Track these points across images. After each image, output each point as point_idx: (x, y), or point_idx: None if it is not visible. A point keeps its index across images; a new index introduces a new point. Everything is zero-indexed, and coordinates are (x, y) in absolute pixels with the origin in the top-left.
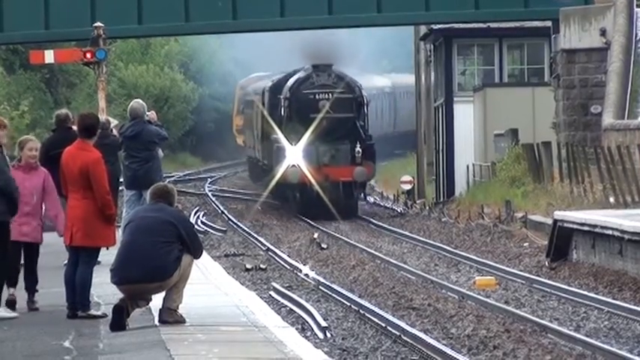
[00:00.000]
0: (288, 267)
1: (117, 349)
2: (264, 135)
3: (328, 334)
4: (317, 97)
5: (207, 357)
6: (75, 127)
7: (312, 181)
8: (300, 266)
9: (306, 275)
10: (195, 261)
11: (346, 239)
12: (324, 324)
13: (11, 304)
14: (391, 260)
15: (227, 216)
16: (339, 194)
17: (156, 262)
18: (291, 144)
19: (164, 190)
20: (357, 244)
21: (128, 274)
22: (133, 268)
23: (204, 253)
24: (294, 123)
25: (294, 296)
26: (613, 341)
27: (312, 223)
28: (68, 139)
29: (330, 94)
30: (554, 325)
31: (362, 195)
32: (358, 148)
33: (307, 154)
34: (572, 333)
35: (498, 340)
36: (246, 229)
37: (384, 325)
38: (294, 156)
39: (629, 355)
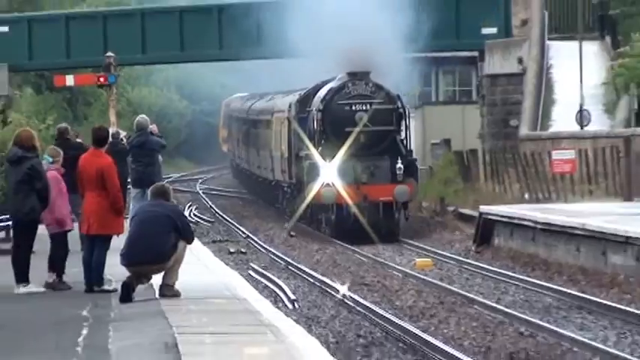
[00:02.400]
0: (264, 251)
1: (125, 317)
2: (291, 151)
3: (296, 305)
4: (353, 108)
5: (198, 324)
6: (70, 138)
7: (349, 201)
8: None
9: (344, 295)
10: (188, 246)
11: (310, 229)
12: (292, 297)
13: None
14: (347, 246)
15: (214, 209)
16: (379, 215)
17: (157, 249)
18: (325, 161)
19: (162, 190)
20: (319, 233)
21: (135, 257)
22: (139, 253)
23: (196, 240)
24: (328, 137)
25: (269, 274)
26: (527, 311)
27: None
28: (66, 147)
29: (369, 105)
30: (480, 298)
31: (404, 216)
32: (399, 165)
33: (343, 171)
34: (494, 304)
35: (434, 310)
36: (229, 220)
37: (341, 298)
38: (329, 174)
39: (540, 322)
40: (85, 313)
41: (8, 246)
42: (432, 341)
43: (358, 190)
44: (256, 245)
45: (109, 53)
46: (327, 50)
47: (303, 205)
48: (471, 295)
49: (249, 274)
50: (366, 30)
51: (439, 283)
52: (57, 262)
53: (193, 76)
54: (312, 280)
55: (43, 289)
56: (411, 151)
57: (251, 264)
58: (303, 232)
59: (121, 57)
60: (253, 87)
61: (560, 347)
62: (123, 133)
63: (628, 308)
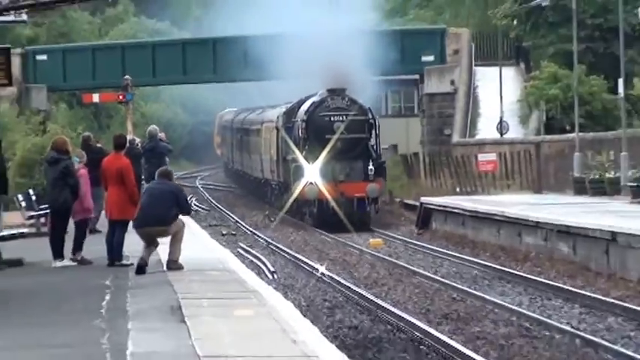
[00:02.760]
0: (250, 233)
1: (140, 286)
2: (280, 155)
3: (275, 276)
4: (332, 119)
5: (197, 291)
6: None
7: (329, 197)
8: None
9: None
10: (189, 227)
11: (287, 216)
12: (272, 269)
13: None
14: (315, 229)
15: (210, 200)
16: (353, 209)
17: (162, 215)
18: (309, 163)
19: (166, 172)
20: (294, 219)
21: (145, 221)
22: (148, 218)
23: (194, 223)
24: (311, 143)
25: (253, 252)
26: (458, 281)
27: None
28: (89, 151)
29: (345, 117)
30: (421, 270)
31: (375, 209)
32: (371, 166)
33: (323, 171)
34: (432, 275)
35: (385, 280)
36: (222, 209)
37: (310, 269)
38: (312, 174)
39: (468, 289)
40: (107, 282)
41: (46, 229)
42: (382, 304)
43: (336, 188)
44: (244, 229)
45: (127, 76)
46: (310, 71)
47: (290, 200)
48: (414, 268)
49: (238, 252)
50: (342, 56)
51: (388, 258)
52: (79, 242)
53: (193, 94)
54: (287, 257)
55: (74, 263)
56: (380, 154)
57: (239, 243)
58: (283, 219)
59: (135, 79)
60: (241, 103)
61: (485, 309)
62: (137, 140)
63: (538, 278)
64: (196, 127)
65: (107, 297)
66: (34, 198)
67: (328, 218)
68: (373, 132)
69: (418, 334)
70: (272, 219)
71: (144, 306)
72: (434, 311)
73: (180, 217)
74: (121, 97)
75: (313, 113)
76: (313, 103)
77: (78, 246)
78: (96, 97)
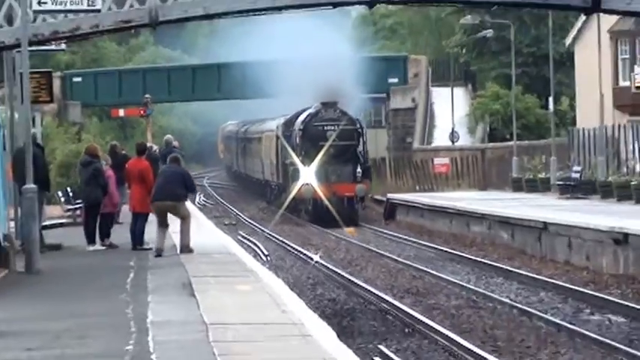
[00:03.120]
0: (247, 224)
1: (157, 266)
2: (279, 159)
3: (268, 258)
4: (325, 128)
5: (205, 270)
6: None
7: (322, 196)
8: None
9: (316, 262)
10: (197, 219)
11: (285, 212)
12: (266, 253)
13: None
14: (310, 224)
15: (215, 196)
16: (344, 206)
17: (173, 191)
18: (305, 166)
19: (176, 158)
20: (291, 215)
21: (160, 196)
22: (163, 194)
23: (201, 214)
24: (307, 149)
25: (251, 239)
26: (417, 262)
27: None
28: (115, 156)
29: (336, 126)
30: (387, 253)
31: (361, 207)
32: (359, 169)
33: (318, 174)
34: (396, 257)
35: (358, 261)
36: (225, 203)
37: (296, 253)
38: (308, 176)
39: (426, 269)
40: (131, 263)
41: (81, 220)
42: (355, 281)
43: (329, 188)
44: (243, 220)
45: (147, 95)
46: (306, 88)
47: (289, 199)
48: (382, 252)
49: (238, 238)
50: (333, 74)
51: (361, 243)
52: (107, 231)
53: (201, 110)
54: (278, 243)
55: (103, 248)
56: (366, 159)
57: (239, 232)
58: (275, 213)
59: (154, 97)
60: (241, 116)
61: (439, 285)
62: (155, 147)
63: (482, 260)
64: (203, 137)
65: (131, 275)
66: (70, 194)
67: (322, 214)
68: (361, 140)
69: (385, 305)
70: (234, 223)
71: (161, 282)
72: (397, 286)
73: (188, 207)
74: (142, 112)
75: (309, 123)
76: (309, 114)
77: (106, 233)
78: (121, 112)
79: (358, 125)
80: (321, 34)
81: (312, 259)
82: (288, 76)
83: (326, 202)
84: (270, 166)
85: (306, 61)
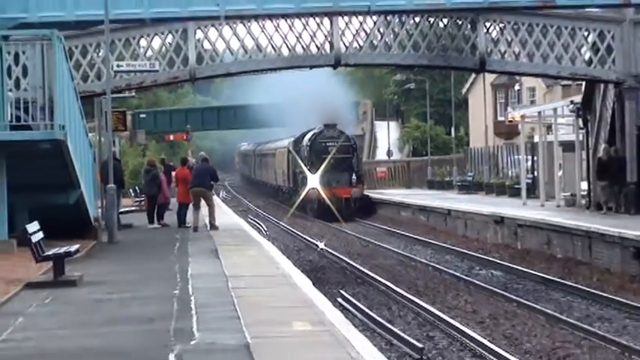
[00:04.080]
0: (255, 211)
1: (195, 238)
2: (290, 169)
3: (267, 233)
4: (327, 144)
5: (226, 241)
6: (166, 162)
7: (325, 197)
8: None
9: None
10: (220, 207)
11: (288, 206)
12: (266, 230)
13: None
14: (300, 214)
15: (232, 192)
16: (342, 206)
17: (203, 181)
18: (312, 174)
19: (206, 158)
20: (300, 213)
21: (194, 184)
22: (196, 183)
23: (222, 204)
24: (313, 161)
25: (256, 220)
26: (365, 235)
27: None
28: (165, 166)
29: (336, 142)
30: (346, 230)
31: (356, 206)
32: (354, 177)
33: (322, 180)
34: (352, 232)
35: (327, 235)
36: (240, 197)
37: (286, 229)
38: (314, 182)
39: (371, 240)
40: (177, 236)
41: (144, 208)
42: (325, 248)
43: (330, 191)
44: (251, 208)
45: (188, 126)
46: (313, 113)
47: (299, 200)
48: (342, 229)
49: (248, 220)
50: (334, 104)
51: (328, 224)
52: (161, 215)
53: (224, 135)
54: (275, 223)
55: (159, 226)
56: (360, 168)
57: (249, 216)
58: (280, 207)
59: (192, 127)
60: (248, 139)
61: (380, 250)
62: (193, 160)
63: (409, 234)
64: (225, 153)
65: (177, 244)
66: (137, 191)
67: (325, 212)
68: (355, 153)
69: (344, 264)
70: (265, 204)
71: (197, 249)
72: (352, 252)
73: (214, 198)
74: (185, 137)
75: (314, 140)
76: (314, 133)
77: (161, 216)
78: (172, 137)
79: (353, 142)
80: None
81: (294, 232)
82: (295, 107)
83: (328, 202)
84: (283, 174)
85: (314, 94)
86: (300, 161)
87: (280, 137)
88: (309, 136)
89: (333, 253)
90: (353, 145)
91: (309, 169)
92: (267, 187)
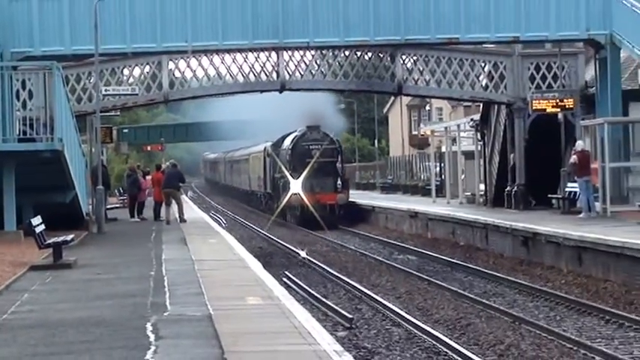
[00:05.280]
0: (213, 205)
1: (168, 229)
2: (267, 174)
3: (225, 225)
4: (311, 147)
5: (193, 232)
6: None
7: (308, 204)
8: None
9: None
10: (188, 203)
11: (263, 212)
12: (225, 223)
13: (142, 219)
14: (299, 228)
15: (198, 192)
16: (326, 212)
17: (172, 183)
18: (294, 179)
19: (175, 164)
20: (281, 220)
21: (165, 186)
22: (167, 184)
23: (190, 201)
24: (295, 165)
25: (217, 215)
26: (306, 229)
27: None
28: (143, 172)
29: (320, 146)
30: (308, 230)
31: (341, 213)
32: (339, 182)
33: (305, 185)
34: (312, 232)
35: (273, 227)
36: (205, 196)
37: (240, 222)
38: (296, 187)
39: (309, 231)
40: (153, 228)
41: (126, 205)
42: (272, 237)
43: (314, 197)
44: (212, 204)
45: (162, 139)
46: (293, 114)
47: (281, 206)
48: (288, 222)
49: (210, 215)
50: (317, 105)
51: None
52: (140, 210)
53: (192, 146)
54: (234, 218)
55: (139, 220)
56: (344, 173)
57: (211, 212)
58: (245, 209)
59: (166, 140)
60: (214, 149)
61: (317, 239)
62: (164, 165)
63: (341, 227)
64: (192, 161)
65: (153, 234)
66: (121, 191)
67: (308, 219)
68: (340, 157)
69: (288, 250)
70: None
71: (169, 238)
72: (295, 240)
73: (183, 197)
74: (160, 148)
75: (297, 143)
76: (296, 136)
77: (140, 212)
78: (149, 148)
79: (337, 145)
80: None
81: (248, 225)
82: (274, 114)
83: (311, 208)
84: (258, 179)
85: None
86: (282, 166)
87: (256, 143)
88: (290, 138)
89: (278, 240)
90: (338, 148)
91: (291, 174)
92: (238, 192)
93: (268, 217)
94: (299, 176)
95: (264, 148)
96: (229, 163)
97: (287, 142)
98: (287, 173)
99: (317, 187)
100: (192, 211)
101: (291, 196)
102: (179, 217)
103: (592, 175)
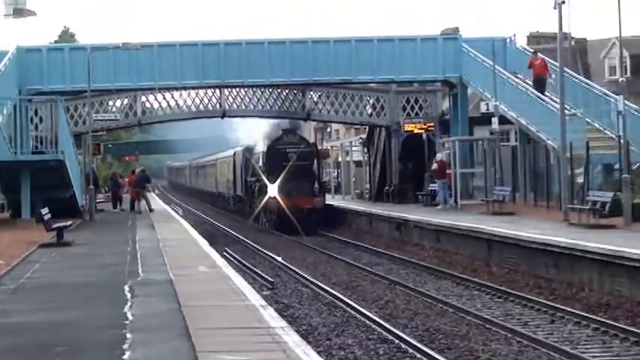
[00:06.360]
0: (173, 199)
1: (140, 218)
2: (236, 177)
3: (182, 213)
4: (287, 150)
5: (158, 219)
6: (121, 174)
7: (285, 208)
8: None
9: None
10: (155, 199)
11: (230, 213)
12: (181, 213)
13: (120, 209)
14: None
15: (164, 192)
16: (303, 217)
17: (140, 184)
18: (271, 183)
19: (144, 170)
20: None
21: (135, 186)
22: (136, 185)
23: (157, 198)
24: (271, 168)
25: (177, 207)
26: (238, 215)
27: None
28: (121, 175)
29: (297, 149)
30: (228, 213)
31: (318, 217)
32: (316, 185)
33: (281, 189)
34: (243, 219)
35: (216, 216)
36: (169, 194)
37: (193, 211)
38: (273, 191)
39: (242, 218)
40: (129, 217)
41: (110, 199)
42: (216, 224)
43: (290, 201)
44: (174, 200)
45: (137, 152)
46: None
47: (257, 210)
48: (225, 212)
49: (172, 207)
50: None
51: (216, 209)
52: (120, 203)
53: (159, 157)
54: (188, 208)
55: (118, 210)
56: (321, 176)
57: (172, 204)
58: (205, 206)
59: (140, 153)
60: (174, 159)
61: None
62: (138, 169)
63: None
64: (158, 168)
65: (129, 222)
66: (106, 189)
67: (284, 224)
68: (316, 160)
69: (227, 233)
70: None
71: (142, 223)
72: (233, 225)
73: (150, 194)
74: (135, 158)
75: (273, 146)
76: (271, 138)
77: (119, 204)
78: (127, 158)
79: (314, 148)
80: None
81: (198, 214)
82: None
83: (288, 213)
84: (227, 182)
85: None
86: (257, 169)
87: (222, 150)
88: (264, 142)
89: (220, 225)
90: (314, 152)
91: (267, 178)
92: (202, 193)
93: (228, 214)
94: (275, 180)
95: (234, 153)
96: (195, 169)
97: (262, 146)
98: (263, 177)
99: (294, 190)
100: (158, 204)
101: (267, 200)
102: (148, 208)
103: (447, 178)
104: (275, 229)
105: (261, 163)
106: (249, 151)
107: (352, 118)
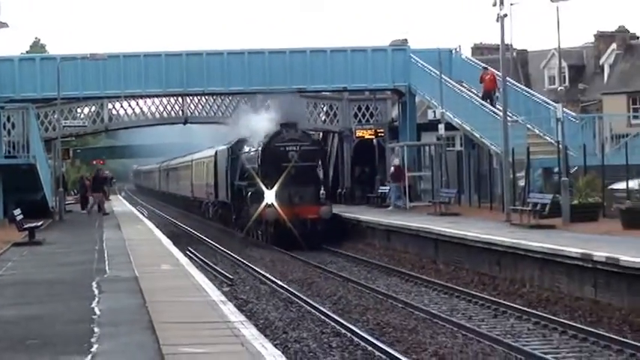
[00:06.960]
0: (139, 201)
1: (107, 219)
2: (225, 180)
3: (147, 215)
4: (287, 149)
5: (124, 220)
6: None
7: (285, 218)
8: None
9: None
10: (121, 200)
11: (210, 221)
12: (146, 214)
13: (88, 211)
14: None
15: (129, 194)
16: (307, 229)
17: (101, 187)
18: (267, 188)
19: (104, 173)
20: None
21: (95, 190)
22: (96, 188)
23: (121, 198)
24: (267, 170)
25: (142, 208)
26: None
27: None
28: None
29: (298, 147)
30: (193, 215)
31: (324, 229)
32: (322, 191)
33: (280, 195)
34: (197, 217)
35: (180, 218)
36: (134, 197)
37: (158, 213)
38: (270, 197)
39: (221, 226)
40: (96, 217)
41: (79, 201)
42: (181, 225)
43: (292, 210)
44: (139, 201)
45: (104, 156)
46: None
47: (252, 220)
48: (189, 213)
49: (137, 208)
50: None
51: (179, 210)
52: (85, 206)
53: (124, 161)
54: (153, 210)
55: (86, 212)
56: (328, 180)
57: (137, 206)
58: (165, 207)
59: (106, 157)
60: (138, 163)
61: (214, 227)
62: (107, 172)
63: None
64: (124, 171)
65: (97, 222)
66: (75, 191)
67: (284, 237)
68: (322, 161)
69: (192, 233)
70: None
71: (109, 224)
72: (198, 227)
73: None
74: (102, 162)
75: (269, 144)
76: (268, 135)
77: (86, 206)
78: (94, 162)
79: (319, 146)
80: None
81: (164, 216)
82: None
83: (289, 224)
84: (206, 186)
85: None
86: (251, 172)
87: (199, 150)
88: (259, 138)
89: (185, 227)
90: (320, 151)
91: (263, 182)
92: (175, 198)
93: (209, 224)
94: (273, 184)
95: (216, 152)
96: (165, 172)
97: (255, 145)
98: (258, 180)
99: (295, 197)
100: (124, 206)
101: (264, 209)
102: (100, 208)
103: (402, 181)
104: (274, 243)
105: (255, 164)
106: (239, 149)
107: (307, 124)
